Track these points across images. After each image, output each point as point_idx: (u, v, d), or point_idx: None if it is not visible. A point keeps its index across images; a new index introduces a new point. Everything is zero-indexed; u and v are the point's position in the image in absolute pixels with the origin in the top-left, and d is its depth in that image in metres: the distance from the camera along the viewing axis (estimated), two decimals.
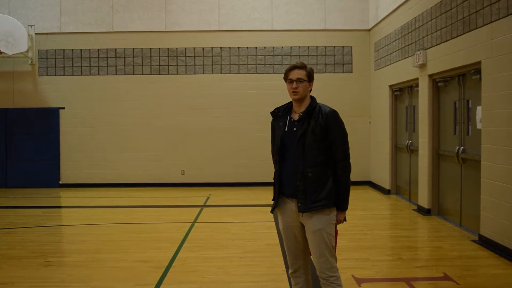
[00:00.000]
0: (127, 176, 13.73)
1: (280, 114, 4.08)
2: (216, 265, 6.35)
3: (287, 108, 4.08)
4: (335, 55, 13.71)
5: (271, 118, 4.19)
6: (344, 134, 3.97)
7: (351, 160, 4.03)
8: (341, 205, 3.96)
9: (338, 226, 4.04)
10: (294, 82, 3.93)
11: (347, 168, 3.96)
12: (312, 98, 4.05)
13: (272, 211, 4.17)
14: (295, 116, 4.01)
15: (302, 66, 3.98)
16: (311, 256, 4.05)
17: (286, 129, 3.99)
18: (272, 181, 4.14)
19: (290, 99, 4.07)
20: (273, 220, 8.61)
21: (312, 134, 3.87)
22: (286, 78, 4.01)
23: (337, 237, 4.02)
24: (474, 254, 6.80)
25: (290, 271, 4.16)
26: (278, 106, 4.13)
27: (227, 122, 13.73)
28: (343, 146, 3.94)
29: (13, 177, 13.77)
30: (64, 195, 12.82)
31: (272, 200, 4.11)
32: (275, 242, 7.38)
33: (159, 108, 13.72)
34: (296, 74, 3.95)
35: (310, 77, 4.00)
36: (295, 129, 3.95)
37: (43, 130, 13.75)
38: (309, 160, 3.87)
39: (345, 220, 4.05)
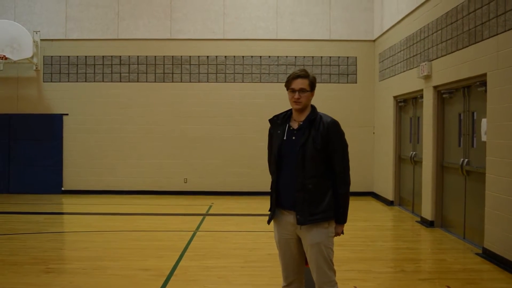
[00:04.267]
0: (130, 183, 13.71)
1: (278, 122, 3.97)
2: (218, 274, 6.31)
3: (286, 116, 3.98)
4: (339, 65, 13.71)
5: None
6: (345, 146, 3.89)
7: (353, 171, 3.96)
8: (340, 218, 3.89)
9: (339, 238, 3.99)
10: (297, 93, 3.82)
11: (347, 180, 3.88)
12: (313, 107, 3.95)
13: (268, 222, 4.08)
14: (295, 125, 3.91)
15: (305, 76, 3.86)
16: (307, 267, 3.97)
17: (285, 138, 3.89)
18: None
19: None
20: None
21: (313, 144, 3.77)
22: (288, 87, 3.90)
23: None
24: (478, 268, 6.74)
25: (283, 284, 4.06)
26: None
27: (231, 131, 13.71)
28: (343, 158, 3.86)
29: (15, 183, 13.74)
30: (66, 202, 12.80)
31: (269, 210, 4.02)
32: (276, 252, 7.29)
33: (163, 115, 13.72)
34: (299, 84, 3.83)
35: (312, 86, 3.89)
36: (294, 138, 3.86)
37: (47, 136, 13.74)
38: (309, 171, 3.77)
39: (342, 233, 3.99)
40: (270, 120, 4.06)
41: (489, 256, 7.08)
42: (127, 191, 13.62)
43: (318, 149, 3.78)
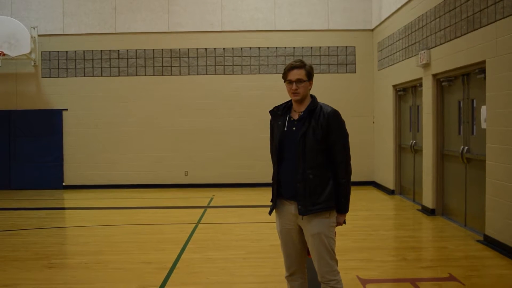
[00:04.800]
0: (130, 177, 13.72)
1: (279, 113, 3.96)
2: (220, 266, 6.33)
3: (286, 107, 3.97)
4: (338, 55, 13.67)
5: None
6: (345, 136, 3.88)
7: (354, 160, 3.95)
8: (342, 207, 3.88)
9: (340, 228, 3.98)
10: (294, 84, 3.80)
11: (348, 170, 3.87)
12: (313, 97, 3.94)
13: (270, 213, 4.08)
14: (295, 116, 3.90)
15: (301, 66, 3.83)
16: (309, 257, 3.98)
17: (285, 129, 3.88)
18: None
19: None
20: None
21: (313, 134, 3.76)
22: (285, 78, 3.88)
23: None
24: (479, 255, 6.76)
25: (286, 274, 4.08)
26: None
27: (230, 123, 13.70)
28: (344, 148, 3.85)
29: (16, 179, 13.76)
30: (67, 197, 12.81)
31: (271, 201, 4.02)
32: (278, 243, 7.30)
33: (162, 109, 13.71)
34: (296, 74, 3.81)
35: (310, 76, 3.86)
36: (294, 128, 3.85)
37: (46, 131, 13.74)
38: (310, 161, 3.76)
39: (344, 223, 3.98)
40: (270, 112, 4.04)
41: (490, 243, 7.09)
42: (128, 185, 13.64)
43: (318, 140, 3.77)
